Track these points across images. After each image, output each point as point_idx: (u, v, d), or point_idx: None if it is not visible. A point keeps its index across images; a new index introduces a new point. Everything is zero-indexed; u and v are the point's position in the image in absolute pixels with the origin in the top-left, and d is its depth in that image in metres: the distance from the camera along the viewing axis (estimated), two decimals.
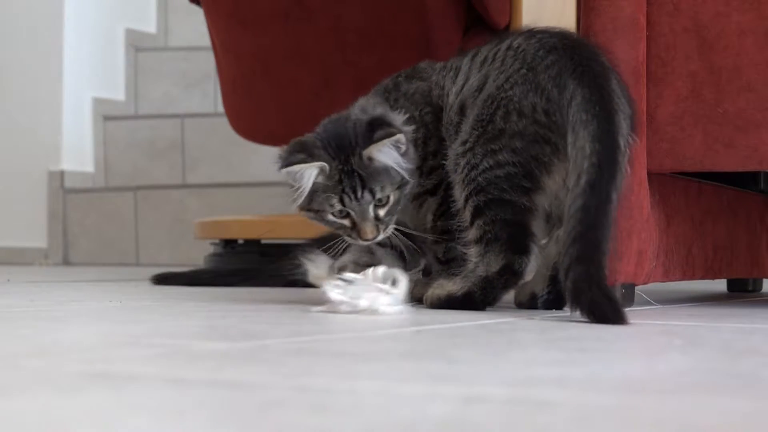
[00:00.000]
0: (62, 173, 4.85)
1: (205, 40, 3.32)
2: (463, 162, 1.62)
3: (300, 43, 2.83)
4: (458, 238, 1.65)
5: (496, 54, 1.67)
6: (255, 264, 2.85)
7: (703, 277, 1.99)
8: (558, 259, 1.53)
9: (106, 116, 5.07)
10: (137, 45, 5.30)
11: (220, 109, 3.37)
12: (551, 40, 1.63)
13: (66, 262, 4.81)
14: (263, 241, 3.20)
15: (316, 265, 2.32)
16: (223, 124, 3.37)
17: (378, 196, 1.64)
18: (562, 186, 1.58)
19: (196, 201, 4.64)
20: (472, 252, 1.61)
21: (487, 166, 1.59)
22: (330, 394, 0.83)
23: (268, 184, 4.39)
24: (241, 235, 3.18)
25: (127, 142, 5.03)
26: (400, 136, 1.63)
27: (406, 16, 2.68)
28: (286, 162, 1.65)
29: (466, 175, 1.61)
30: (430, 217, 1.74)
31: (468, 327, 1.38)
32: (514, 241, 1.58)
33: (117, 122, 5.08)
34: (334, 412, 0.75)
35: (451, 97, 1.71)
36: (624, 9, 1.77)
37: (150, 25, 5.44)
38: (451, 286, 1.63)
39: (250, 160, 4.68)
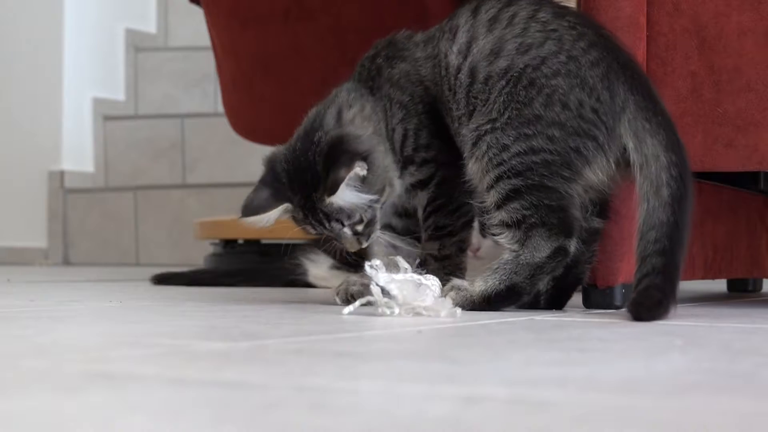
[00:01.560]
0: (62, 173, 4.86)
1: (205, 40, 3.32)
2: (489, 139, 1.58)
3: (300, 43, 2.83)
4: (485, 218, 1.62)
5: (512, 18, 1.62)
6: (255, 264, 2.85)
7: (703, 277, 1.99)
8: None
9: (106, 116, 5.07)
10: (137, 45, 5.30)
11: (220, 109, 3.37)
12: (586, 31, 1.60)
13: (66, 262, 4.81)
14: (263, 241, 3.21)
15: (316, 265, 2.32)
16: (223, 124, 3.37)
17: (347, 223, 1.64)
18: (604, 182, 1.58)
19: (196, 201, 4.64)
20: (506, 236, 1.57)
21: (521, 150, 1.56)
22: (330, 394, 0.83)
23: None
24: (241, 235, 3.18)
25: (127, 142, 5.03)
26: (357, 171, 1.59)
27: (406, 16, 2.68)
28: (249, 211, 1.66)
29: (495, 156, 1.57)
30: (421, 211, 1.72)
31: (468, 327, 1.38)
32: (563, 224, 1.56)
33: (117, 122, 5.08)
34: (334, 412, 0.75)
35: (452, 57, 1.65)
36: (624, 9, 1.77)
37: (150, 25, 5.44)
38: (481, 284, 1.57)
39: (250, 160, 4.67)
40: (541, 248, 1.56)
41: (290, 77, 2.89)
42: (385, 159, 1.67)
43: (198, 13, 3.37)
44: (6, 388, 0.86)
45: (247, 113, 3.07)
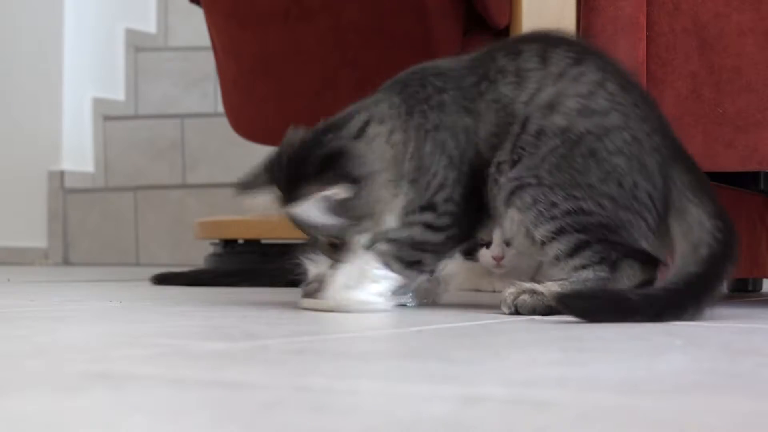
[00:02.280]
0: (62, 173, 4.85)
1: (205, 40, 3.32)
2: (534, 193, 1.53)
3: (300, 43, 2.83)
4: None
5: (578, 77, 1.57)
6: (255, 264, 2.85)
7: None
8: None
9: (106, 116, 5.07)
10: (137, 45, 5.30)
11: (220, 109, 3.37)
12: (649, 113, 1.57)
13: (66, 262, 4.81)
14: (263, 241, 3.21)
15: (316, 265, 2.32)
16: (223, 124, 3.37)
17: (323, 240, 1.61)
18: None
19: (196, 201, 4.64)
20: (590, 271, 1.53)
21: (571, 208, 1.52)
22: (330, 394, 0.83)
23: None
24: (241, 235, 3.18)
25: (127, 142, 5.03)
26: (332, 192, 1.53)
27: (406, 16, 2.68)
28: (240, 186, 1.69)
29: (546, 210, 1.52)
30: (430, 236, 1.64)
31: (468, 327, 1.38)
32: (647, 255, 1.54)
33: (117, 122, 5.08)
34: (334, 412, 0.75)
35: (519, 107, 1.58)
36: (624, 9, 1.77)
37: (150, 25, 5.44)
38: (556, 288, 1.52)
39: (250, 160, 4.67)
40: (631, 278, 1.53)
41: (290, 77, 2.89)
42: (382, 190, 1.60)
43: (198, 13, 3.37)
44: (6, 388, 0.86)
45: (248, 113, 3.07)
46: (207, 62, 4.72)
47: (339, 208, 1.55)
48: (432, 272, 1.67)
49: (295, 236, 2.72)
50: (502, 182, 1.57)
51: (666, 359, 1.07)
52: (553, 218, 1.53)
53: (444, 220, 1.61)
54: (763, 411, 0.78)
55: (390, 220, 1.63)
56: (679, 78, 1.79)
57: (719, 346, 1.18)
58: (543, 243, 1.54)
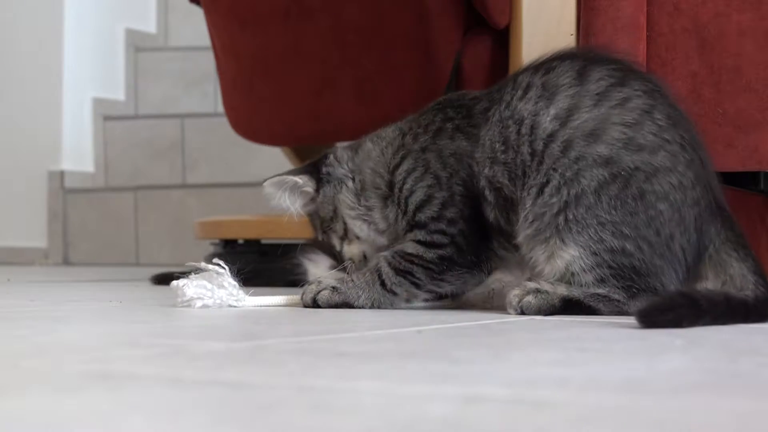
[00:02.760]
0: (62, 173, 4.86)
1: (205, 40, 3.32)
2: (588, 231, 1.52)
3: (300, 43, 2.83)
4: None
5: (624, 102, 1.54)
6: (255, 264, 2.85)
7: None
8: None
9: (106, 116, 5.07)
10: (137, 45, 5.30)
11: (220, 109, 3.37)
12: (694, 156, 1.55)
13: (66, 262, 4.81)
14: (263, 241, 3.21)
15: (315, 265, 2.32)
16: (223, 124, 3.37)
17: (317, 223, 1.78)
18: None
19: (196, 201, 4.64)
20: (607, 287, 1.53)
21: (616, 247, 1.51)
22: (330, 394, 0.83)
23: None
24: (241, 235, 3.18)
25: (127, 142, 5.03)
26: (296, 180, 1.72)
27: (406, 16, 2.68)
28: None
29: (592, 245, 1.51)
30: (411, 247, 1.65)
31: (468, 327, 1.38)
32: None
33: (117, 122, 5.08)
34: (334, 412, 0.75)
35: (545, 119, 1.55)
36: (624, 9, 1.77)
37: (150, 25, 5.44)
38: (563, 290, 1.53)
39: (250, 160, 4.68)
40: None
41: (290, 77, 2.89)
42: (347, 197, 1.70)
43: (198, 13, 3.37)
44: (6, 388, 0.86)
45: (247, 113, 3.07)
46: (207, 62, 4.73)
47: (305, 199, 1.74)
48: (445, 295, 1.67)
49: (294, 236, 2.72)
50: (528, 206, 1.55)
51: (666, 359, 1.07)
52: (594, 254, 1.52)
53: (437, 238, 1.62)
54: (763, 411, 0.78)
55: (363, 229, 1.70)
56: (679, 78, 1.79)
57: (719, 346, 1.18)
58: (573, 273, 1.53)
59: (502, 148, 1.58)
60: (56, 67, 4.91)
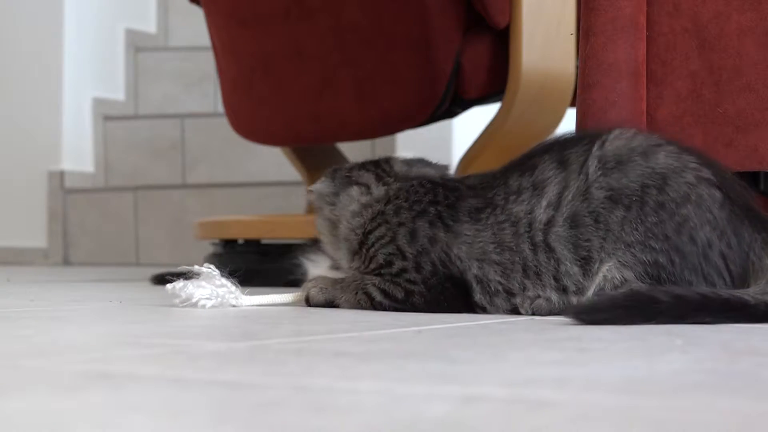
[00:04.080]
0: (62, 173, 4.85)
1: (205, 40, 3.32)
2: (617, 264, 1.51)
3: (300, 43, 2.83)
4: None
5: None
6: (255, 264, 2.85)
7: None
8: None
9: (106, 116, 5.07)
10: (137, 45, 5.30)
11: (220, 109, 3.37)
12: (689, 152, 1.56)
13: (66, 262, 4.81)
14: (263, 241, 3.20)
15: (316, 266, 2.32)
16: (223, 124, 3.37)
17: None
18: None
19: (196, 201, 4.64)
20: None
21: (648, 260, 1.49)
22: (330, 394, 0.83)
23: (268, 184, 4.39)
24: (241, 235, 3.18)
25: (127, 142, 5.03)
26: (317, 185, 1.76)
27: (406, 16, 2.68)
28: None
29: (621, 266, 1.51)
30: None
31: (468, 327, 1.38)
32: None
33: (117, 122, 5.08)
34: (334, 412, 0.75)
35: (540, 212, 1.57)
36: (624, 9, 1.77)
37: (150, 25, 5.44)
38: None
39: (250, 160, 4.68)
40: None
41: (290, 77, 2.89)
42: (323, 225, 1.76)
43: (198, 13, 3.37)
44: (6, 388, 0.86)
45: (247, 113, 3.07)
46: (207, 62, 4.72)
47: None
48: None
49: (295, 236, 2.72)
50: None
51: (666, 359, 1.07)
52: (624, 265, 1.51)
53: (395, 292, 1.63)
54: (763, 411, 0.78)
55: (340, 255, 1.74)
56: (679, 78, 1.79)
57: (719, 346, 1.18)
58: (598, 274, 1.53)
59: (497, 249, 1.58)
60: (56, 67, 4.91)
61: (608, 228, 1.52)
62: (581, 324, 1.37)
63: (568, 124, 2.54)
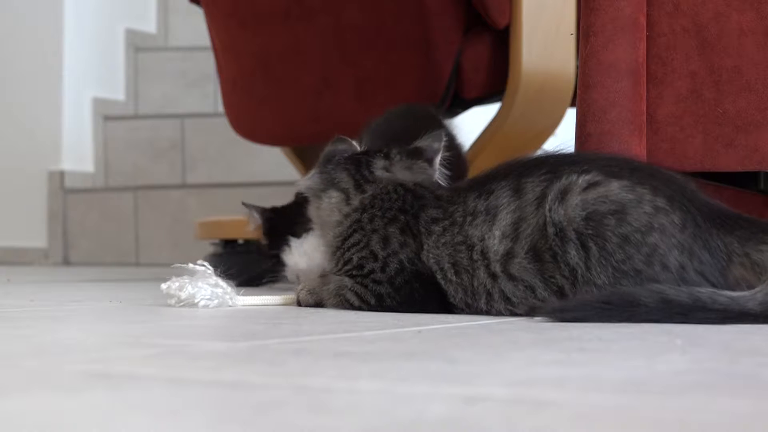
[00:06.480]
0: (62, 173, 4.85)
1: (205, 40, 3.32)
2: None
3: (300, 43, 2.83)
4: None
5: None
6: (255, 264, 2.85)
7: None
8: None
9: (106, 116, 5.07)
10: (137, 45, 5.30)
11: (220, 109, 3.37)
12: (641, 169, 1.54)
13: (66, 262, 4.81)
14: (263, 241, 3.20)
15: (290, 254, 2.34)
16: (223, 124, 3.37)
17: None
18: None
19: (196, 201, 4.64)
20: None
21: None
22: (330, 394, 0.83)
23: (268, 184, 4.39)
24: (241, 235, 3.18)
25: (127, 142, 5.03)
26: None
27: (406, 17, 2.68)
28: None
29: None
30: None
31: (468, 327, 1.38)
32: None
33: (117, 122, 5.08)
34: (334, 412, 0.75)
35: (493, 242, 1.55)
36: (624, 9, 1.77)
37: (150, 25, 5.44)
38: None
39: (250, 160, 4.68)
40: None
41: (290, 77, 2.89)
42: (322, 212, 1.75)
43: (198, 13, 3.37)
44: (6, 388, 0.86)
45: (248, 113, 3.07)
46: (207, 62, 4.72)
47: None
48: None
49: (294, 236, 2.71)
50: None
51: (666, 359, 1.07)
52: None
53: (367, 295, 1.64)
54: (763, 411, 0.78)
55: (324, 244, 1.76)
56: (679, 78, 1.79)
57: (719, 346, 1.18)
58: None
59: (453, 270, 1.58)
60: (56, 66, 4.91)
61: (572, 270, 1.50)
62: (557, 321, 1.40)
63: (568, 124, 2.54)
